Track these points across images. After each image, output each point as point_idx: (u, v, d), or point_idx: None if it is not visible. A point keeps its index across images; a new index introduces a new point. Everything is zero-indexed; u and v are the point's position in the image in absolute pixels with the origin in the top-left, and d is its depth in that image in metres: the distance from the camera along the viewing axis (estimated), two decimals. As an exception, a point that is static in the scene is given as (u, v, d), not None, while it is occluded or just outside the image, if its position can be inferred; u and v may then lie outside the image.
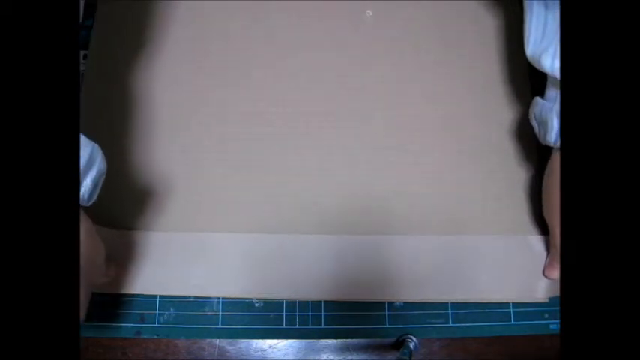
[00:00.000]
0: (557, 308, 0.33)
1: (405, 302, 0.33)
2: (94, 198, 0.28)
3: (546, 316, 0.33)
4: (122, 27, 0.38)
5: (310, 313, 0.33)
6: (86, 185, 0.26)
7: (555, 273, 0.32)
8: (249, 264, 0.33)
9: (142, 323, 0.33)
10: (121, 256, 0.33)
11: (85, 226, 0.27)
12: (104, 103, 0.37)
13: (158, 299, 0.33)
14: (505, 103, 0.37)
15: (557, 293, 0.33)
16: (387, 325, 0.33)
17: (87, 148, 0.26)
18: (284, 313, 0.33)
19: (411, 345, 0.31)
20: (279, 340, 0.33)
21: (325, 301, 0.33)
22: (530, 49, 0.30)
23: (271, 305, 0.33)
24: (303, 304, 0.33)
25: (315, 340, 0.33)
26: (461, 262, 0.34)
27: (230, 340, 0.33)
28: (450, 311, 0.33)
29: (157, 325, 0.33)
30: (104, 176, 0.28)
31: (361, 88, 0.37)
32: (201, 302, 0.33)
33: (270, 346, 0.33)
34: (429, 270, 0.33)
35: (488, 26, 0.39)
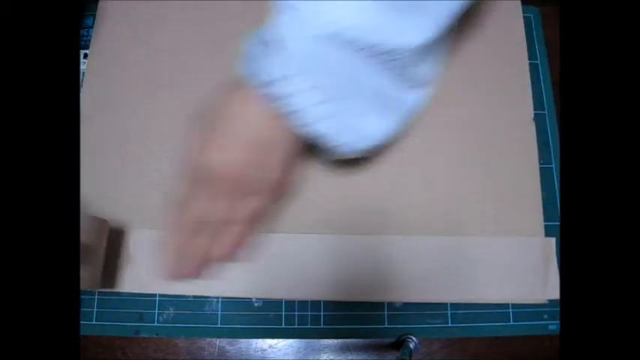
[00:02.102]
0: (557, 309, 0.33)
1: (404, 302, 0.33)
2: None
3: (546, 316, 0.33)
4: (123, 26, 0.38)
5: (310, 313, 0.33)
6: None
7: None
8: (249, 264, 0.33)
9: (142, 322, 0.33)
10: (120, 254, 0.33)
11: None
12: (104, 103, 0.37)
13: (157, 298, 0.33)
14: (505, 103, 0.37)
15: (557, 296, 0.33)
16: (387, 326, 0.33)
17: None
18: (283, 313, 0.33)
19: (411, 345, 0.31)
20: (279, 340, 0.33)
21: (325, 301, 0.33)
22: None
23: (271, 305, 0.33)
24: (303, 304, 0.33)
25: (315, 340, 0.33)
26: (460, 263, 0.34)
27: (230, 340, 0.33)
28: (449, 312, 0.33)
29: (156, 324, 0.33)
30: None
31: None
32: (201, 302, 0.33)
33: (270, 346, 0.33)
34: (429, 271, 0.33)
35: (488, 26, 0.39)
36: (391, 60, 0.26)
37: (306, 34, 0.25)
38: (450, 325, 0.33)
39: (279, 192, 0.31)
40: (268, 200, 0.31)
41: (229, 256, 0.31)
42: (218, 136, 0.28)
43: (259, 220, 0.32)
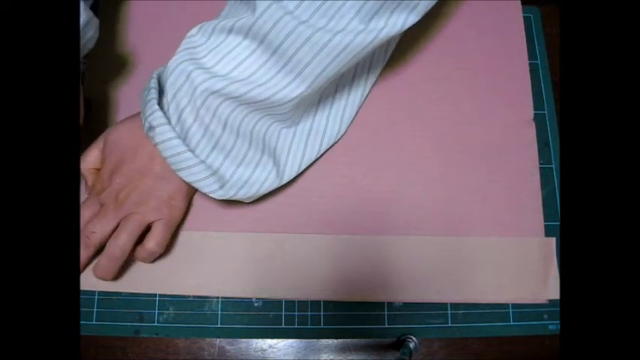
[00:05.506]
0: (557, 309, 0.34)
1: (404, 302, 0.33)
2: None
3: (545, 317, 0.33)
4: (123, 27, 0.38)
5: (309, 313, 0.33)
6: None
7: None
8: (249, 264, 0.33)
9: (141, 322, 0.33)
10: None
11: None
12: (104, 104, 0.37)
13: (157, 298, 0.33)
14: (505, 103, 0.37)
15: (557, 296, 0.33)
16: (387, 326, 0.33)
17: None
18: (283, 313, 0.33)
19: (411, 345, 0.31)
20: (279, 340, 0.33)
21: (325, 301, 0.33)
22: None
23: (270, 305, 0.33)
24: (303, 304, 0.33)
25: (315, 340, 0.33)
26: (460, 263, 0.34)
27: (230, 340, 0.33)
28: (449, 312, 0.33)
29: (156, 324, 0.33)
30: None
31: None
32: (201, 302, 0.33)
33: (270, 346, 0.33)
34: (429, 271, 0.33)
35: (488, 26, 0.39)
36: (274, 111, 0.30)
37: (194, 87, 0.29)
38: (450, 325, 0.33)
39: (167, 213, 0.31)
40: (157, 219, 0.31)
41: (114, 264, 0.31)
42: (109, 162, 0.31)
43: (154, 246, 0.31)
